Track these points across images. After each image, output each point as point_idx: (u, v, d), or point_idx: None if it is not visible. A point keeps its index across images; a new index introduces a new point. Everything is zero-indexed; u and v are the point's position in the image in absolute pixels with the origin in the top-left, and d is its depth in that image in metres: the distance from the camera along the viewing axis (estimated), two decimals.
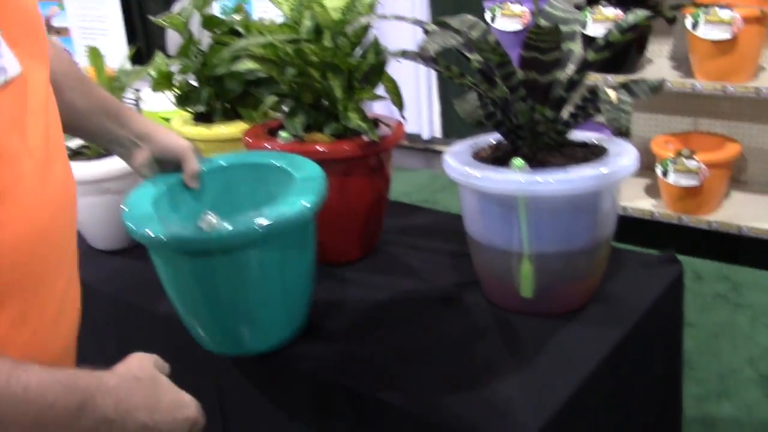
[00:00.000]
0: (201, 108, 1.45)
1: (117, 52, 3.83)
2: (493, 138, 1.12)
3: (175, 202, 1.06)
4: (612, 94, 0.88)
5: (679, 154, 2.45)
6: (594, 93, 0.92)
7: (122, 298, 1.25)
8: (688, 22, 2.31)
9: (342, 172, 1.19)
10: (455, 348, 1.03)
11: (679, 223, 2.58)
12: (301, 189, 1.00)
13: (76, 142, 1.40)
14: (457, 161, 1.06)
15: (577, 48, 1.03)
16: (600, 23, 2.38)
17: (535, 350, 1.00)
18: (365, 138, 1.18)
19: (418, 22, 1.05)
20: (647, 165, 2.90)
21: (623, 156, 1.02)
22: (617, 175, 0.99)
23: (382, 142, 1.20)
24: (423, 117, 3.81)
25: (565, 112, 1.00)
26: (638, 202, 2.69)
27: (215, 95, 1.46)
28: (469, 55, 1.02)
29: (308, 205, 0.96)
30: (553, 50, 0.96)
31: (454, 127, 3.74)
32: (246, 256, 0.95)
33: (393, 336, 1.07)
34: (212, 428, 0.81)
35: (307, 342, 1.07)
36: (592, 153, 1.06)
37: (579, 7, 1.04)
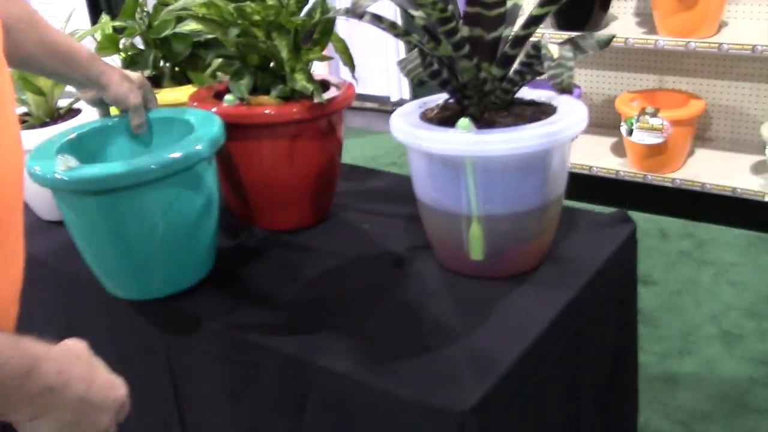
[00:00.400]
0: (148, 72, 1.40)
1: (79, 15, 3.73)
2: (442, 98, 1.09)
3: (83, 149, 1.11)
4: (554, 49, 0.85)
5: (643, 111, 2.44)
6: (537, 49, 0.89)
7: (68, 269, 1.22)
8: None
9: (290, 135, 1.16)
10: (402, 312, 1.01)
11: (644, 181, 2.58)
12: (196, 137, 1.05)
13: (18, 110, 1.35)
14: (404, 122, 1.03)
15: (524, 3, 1.00)
16: None
17: (485, 314, 0.99)
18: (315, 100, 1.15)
19: None
20: (613, 124, 2.90)
21: (573, 114, 1.00)
22: (566, 134, 0.97)
23: (331, 104, 1.17)
24: (391, 79, 3.77)
25: (513, 71, 0.98)
26: (603, 161, 2.69)
27: (163, 58, 1.41)
28: (413, 11, 0.99)
29: (198, 148, 1.01)
30: (497, 5, 0.93)
31: (423, 89, 3.70)
32: (133, 196, 0.99)
33: (337, 301, 1.05)
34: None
35: (244, 306, 1.06)
36: (542, 112, 1.03)
37: None
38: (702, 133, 2.74)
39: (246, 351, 1.01)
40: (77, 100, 1.35)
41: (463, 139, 0.95)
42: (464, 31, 0.97)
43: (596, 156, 2.73)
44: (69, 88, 1.21)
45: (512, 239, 1.04)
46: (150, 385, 1.15)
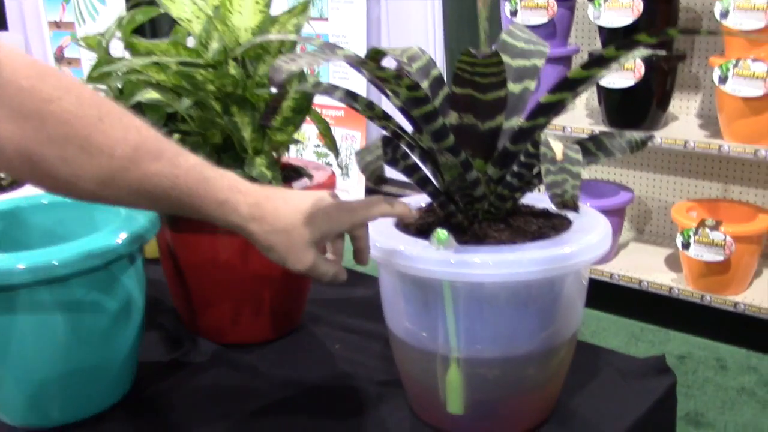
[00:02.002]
0: None
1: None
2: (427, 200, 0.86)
3: None
4: (557, 148, 0.62)
5: (702, 223, 2.16)
6: (537, 146, 0.66)
7: None
8: (716, 75, 2.04)
9: None
10: None
11: (702, 302, 2.27)
12: (115, 229, 0.83)
13: None
14: (373, 229, 0.80)
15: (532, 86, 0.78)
16: (617, 73, 2.13)
17: None
18: None
19: (305, 40, 0.82)
20: (669, 234, 2.61)
21: (591, 234, 0.76)
22: (577, 260, 0.73)
23: None
24: None
25: (511, 173, 0.74)
26: (656, 275, 2.40)
27: None
28: (392, 89, 0.78)
29: (114, 243, 0.81)
30: (495, 87, 0.71)
31: None
32: (25, 297, 0.78)
33: None
34: None
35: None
36: (552, 227, 0.79)
37: None
38: None
39: None
40: None
41: (438, 258, 0.71)
42: (452, 117, 0.75)
43: (648, 269, 2.44)
44: None
45: (503, 390, 0.79)
46: None
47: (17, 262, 0.76)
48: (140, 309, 0.89)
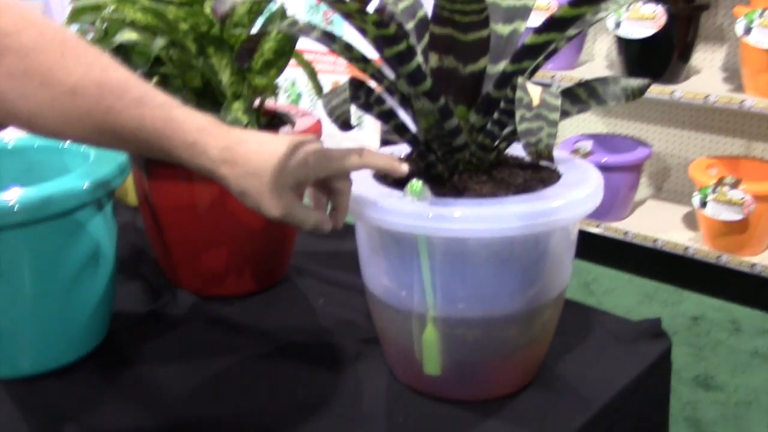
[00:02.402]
0: None
1: None
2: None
3: None
4: (535, 92, 0.56)
5: (721, 181, 2.09)
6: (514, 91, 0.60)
7: None
8: (740, 26, 1.94)
9: None
10: None
11: (717, 263, 2.20)
12: (81, 174, 0.80)
13: None
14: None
15: (522, 28, 0.72)
16: (636, 22, 2.03)
17: None
18: None
19: None
20: (687, 191, 2.54)
21: (580, 187, 0.71)
22: (563, 216, 0.68)
23: None
24: None
25: (492, 121, 0.69)
26: (672, 234, 2.33)
27: None
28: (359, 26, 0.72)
29: (78, 188, 0.77)
30: (476, 26, 0.65)
31: None
32: None
33: (240, 408, 0.77)
34: None
35: (119, 400, 0.79)
36: (540, 179, 0.74)
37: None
38: None
39: None
40: None
41: (411, 211, 0.67)
42: (432, 60, 0.69)
43: (664, 227, 2.37)
44: None
45: (483, 352, 0.75)
46: None
47: None
48: (110, 258, 0.85)
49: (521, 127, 0.56)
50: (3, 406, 0.86)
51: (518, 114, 0.56)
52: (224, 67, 0.89)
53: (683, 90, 2.14)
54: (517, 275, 0.71)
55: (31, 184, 0.78)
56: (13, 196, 0.74)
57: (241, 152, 0.64)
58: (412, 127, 0.74)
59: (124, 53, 1.17)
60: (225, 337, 0.92)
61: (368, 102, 0.69)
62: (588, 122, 2.77)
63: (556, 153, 0.82)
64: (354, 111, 0.69)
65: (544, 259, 0.72)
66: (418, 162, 0.76)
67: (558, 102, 0.56)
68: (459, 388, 0.77)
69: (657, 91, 2.18)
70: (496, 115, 0.66)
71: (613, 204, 2.40)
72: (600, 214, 2.42)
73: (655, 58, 2.19)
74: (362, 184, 0.73)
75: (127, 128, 0.61)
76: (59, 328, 0.83)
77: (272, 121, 0.99)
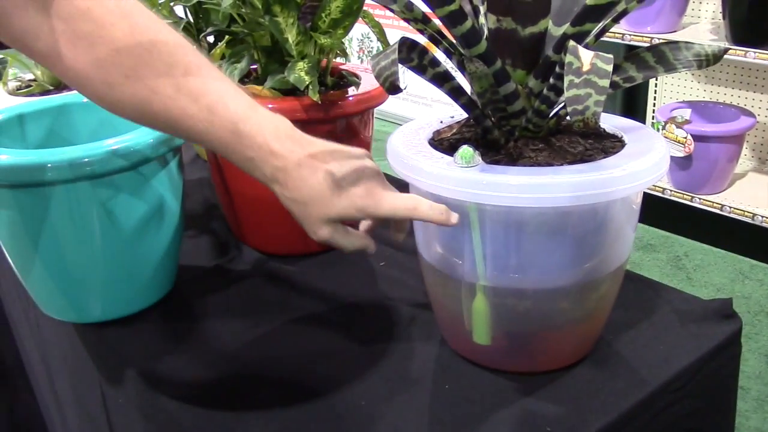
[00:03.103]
0: None
1: None
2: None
3: (42, 127, 0.95)
4: (586, 57, 0.53)
5: None
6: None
7: None
8: None
9: None
10: (369, 400, 0.73)
11: None
12: (145, 132, 0.82)
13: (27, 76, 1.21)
14: (404, 141, 0.75)
15: None
16: None
17: (480, 424, 0.69)
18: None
19: None
20: None
21: (640, 157, 0.67)
22: (619, 188, 0.65)
23: (346, 104, 0.91)
24: None
25: (548, 86, 0.66)
26: None
27: (198, 32, 1.21)
28: None
29: (141, 145, 0.80)
30: None
31: None
32: (57, 193, 0.78)
33: (291, 366, 0.79)
34: None
35: (179, 350, 0.81)
36: (601, 149, 0.71)
37: None
38: None
39: (164, 410, 0.77)
40: None
41: (461, 178, 0.65)
42: (490, 21, 0.67)
43: (764, 202, 2.25)
44: None
45: (534, 324, 0.73)
46: (87, 423, 0.95)
47: (48, 158, 0.76)
48: (175, 213, 0.88)
49: (568, 94, 0.53)
50: (75, 348, 0.90)
51: (566, 80, 0.53)
52: (290, 26, 0.89)
53: None
54: (571, 247, 0.69)
55: (105, 137, 0.80)
56: (84, 150, 0.77)
57: (294, 176, 0.65)
58: (469, 90, 0.72)
59: (204, 11, 1.19)
60: (285, 295, 0.93)
61: (422, 64, 0.67)
62: (688, 89, 2.63)
63: (624, 121, 0.78)
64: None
65: (600, 231, 0.69)
66: (474, 127, 0.75)
67: (609, 68, 0.53)
68: (508, 359, 0.76)
69: (764, 57, 2.04)
70: (552, 80, 0.64)
71: (711, 176, 2.29)
72: (695, 185, 2.32)
73: (763, 22, 2.05)
74: (414, 149, 0.72)
75: (194, 130, 0.64)
76: (126, 279, 0.86)
77: (340, 81, 0.99)
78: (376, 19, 0.98)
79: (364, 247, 0.69)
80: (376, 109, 0.98)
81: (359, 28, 3.86)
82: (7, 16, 0.60)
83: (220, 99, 0.64)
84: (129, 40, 0.61)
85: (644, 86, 2.70)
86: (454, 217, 0.66)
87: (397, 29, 3.38)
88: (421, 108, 3.72)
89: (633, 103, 2.81)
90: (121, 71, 0.61)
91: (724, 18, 2.17)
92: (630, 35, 2.34)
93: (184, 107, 0.62)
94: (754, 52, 2.05)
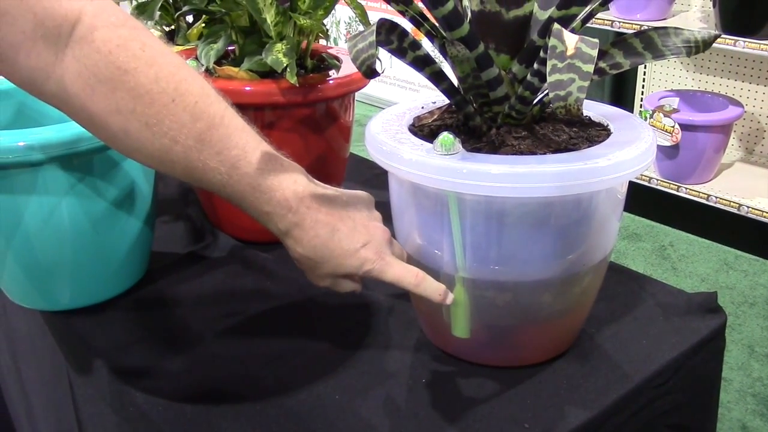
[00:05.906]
0: (152, 23, 1.16)
1: None
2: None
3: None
4: (571, 41, 0.51)
5: None
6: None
7: None
8: None
9: (262, 123, 0.88)
10: (342, 395, 0.71)
11: None
12: None
13: None
14: (382, 126, 0.72)
15: None
16: None
17: (458, 416, 0.67)
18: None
19: None
20: None
21: (626, 147, 0.65)
22: (604, 178, 0.62)
23: (325, 88, 0.88)
24: None
25: (532, 72, 0.63)
26: (759, 200, 2.20)
27: (176, 8, 1.17)
28: None
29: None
30: None
31: None
32: (25, 175, 0.75)
33: (264, 358, 0.76)
34: None
35: (147, 340, 0.79)
36: (586, 137, 0.69)
37: None
38: None
39: (133, 402, 0.75)
40: None
41: (441, 165, 0.63)
42: (473, 2, 0.65)
43: (751, 192, 2.24)
44: None
45: (514, 317, 0.71)
46: (53, 412, 0.93)
47: (16, 139, 0.73)
48: (147, 197, 0.85)
49: (551, 79, 0.50)
50: (43, 337, 0.88)
51: (549, 64, 0.51)
52: (269, 5, 0.86)
53: None
54: (554, 238, 0.67)
55: (24, 128, 0.77)
56: (52, 131, 0.74)
57: (309, 235, 0.65)
58: (452, 76, 0.69)
59: None
60: (262, 284, 0.91)
61: (402, 47, 0.65)
62: (676, 77, 2.62)
63: (610, 109, 0.76)
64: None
65: (584, 222, 0.67)
66: (456, 114, 0.72)
67: (594, 52, 0.50)
68: (488, 352, 0.74)
69: (753, 46, 2.03)
70: (536, 66, 0.61)
71: (697, 165, 2.28)
72: (682, 175, 2.31)
73: (755, 10, 2.04)
74: (393, 136, 0.70)
75: (213, 182, 0.62)
76: (96, 265, 0.84)
77: (321, 64, 0.96)
78: (358, 0, 0.95)
79: (355, 290, 0.71)
80: (361, 94, 0.95)
81: (347, 12, 3.82)
82: (13, 53, 0.55)
83: (243, 154, 0.62)
84: (153, 88, 0.58)
85: (632, 74, 2.68)
86: (449, 299, 0.68)
87: (382, 12, 3.33)
88: (408, 93, 3.68)
89: (621, 92, 2.79)
90: (142, 120, 0.58)
91: (714, 6, 2.15)
92: (619, 22, 2.32)
93: (206, 160, 0.61)
94: (744, 41, 2.04)
